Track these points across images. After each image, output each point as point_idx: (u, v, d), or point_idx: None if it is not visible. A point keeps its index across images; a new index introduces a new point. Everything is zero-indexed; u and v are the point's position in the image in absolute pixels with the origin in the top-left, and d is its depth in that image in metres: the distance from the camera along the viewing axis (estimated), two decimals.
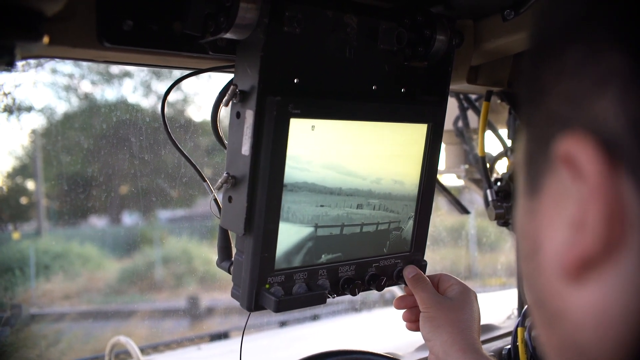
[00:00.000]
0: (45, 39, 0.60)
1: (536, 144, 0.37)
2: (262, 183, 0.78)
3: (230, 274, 0.88)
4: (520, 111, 0.40)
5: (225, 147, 0.86)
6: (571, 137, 0.32)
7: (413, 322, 0.97)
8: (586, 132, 0.31)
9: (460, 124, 1.52)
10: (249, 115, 0.78)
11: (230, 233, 0.90)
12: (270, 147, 0.77)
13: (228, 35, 0.75)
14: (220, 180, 0.82)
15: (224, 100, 0.80)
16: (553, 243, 0.34)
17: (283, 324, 2.28)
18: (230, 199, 0.83)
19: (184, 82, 0.89)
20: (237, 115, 0.80)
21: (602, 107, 0.31)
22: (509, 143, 1.40)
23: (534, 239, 0.37)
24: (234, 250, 0.89)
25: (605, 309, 0.31)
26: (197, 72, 0.88)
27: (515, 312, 1.66)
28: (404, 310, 0.99)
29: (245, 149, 0.79)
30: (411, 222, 0.99)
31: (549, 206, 0.35)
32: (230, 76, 0.85)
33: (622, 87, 0.30)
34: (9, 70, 0.58)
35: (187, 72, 0.88)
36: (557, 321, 0.35)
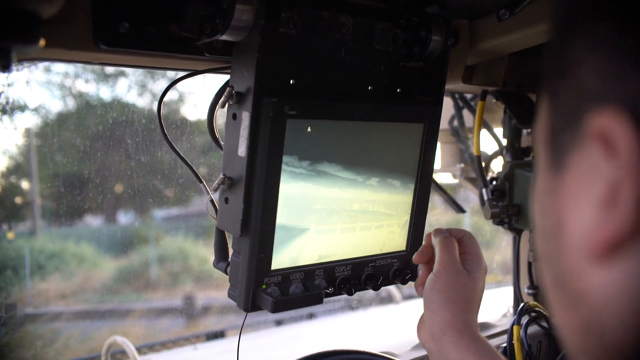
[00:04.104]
0: (42, 42, 0.60)
1: (563, 119, 0.35)
2: (259, 184, 0.79)
3: (227, 274, 0.88)
4: (544, 84, 0.38)
5: (221, 149, 0.86)
6: (607, 113, 0.30)
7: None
8: (623, 109, 0.30)
9: (455, 123, 1.53)
10: (245, 117, 0.78)
11: (226, 233, 0.90)
12: (267, 148, 0.77)
13: (224, 37, 0.75)
14: (216, 182, 0.82)
15: (220, 101, 0.81)
16: (579, 222, 0.33)
17: (279, 322, 2.28)
18: (226, 200, 0.83)
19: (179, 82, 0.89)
20: (233, 117, 0.81)
21: (638, 85, 0.30)
22: (504, 142, 1.41)
23: (556, 217, 0.35)
24: (230, 251, 0.89)
25: (631, 290, 0.31)
26: (193, 73, 0.88)
27: (511, 310, 1.67)
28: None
29: (242, 151, 0.79)
30: (407, 221, 0.99)
31: (575, 183, 0.34)
32: (227, 77, 0.85)
33: None
34: (4, 72, 0.58)
35: (182, 73, 0.88)
36: (579, 302, 0.34)
